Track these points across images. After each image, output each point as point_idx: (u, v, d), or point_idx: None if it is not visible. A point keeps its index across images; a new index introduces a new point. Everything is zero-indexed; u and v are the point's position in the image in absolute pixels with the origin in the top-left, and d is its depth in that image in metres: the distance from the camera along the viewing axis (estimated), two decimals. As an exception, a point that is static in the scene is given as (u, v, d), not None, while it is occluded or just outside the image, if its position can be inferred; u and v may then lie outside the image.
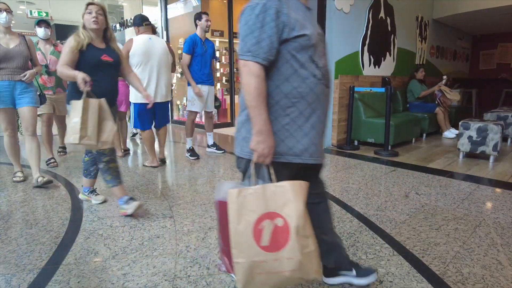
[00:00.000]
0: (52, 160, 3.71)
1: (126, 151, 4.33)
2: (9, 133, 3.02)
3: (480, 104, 8.34)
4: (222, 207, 1.18)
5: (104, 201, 2.62)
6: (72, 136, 2.05)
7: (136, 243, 1.98)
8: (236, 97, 6.96)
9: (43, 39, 3.59)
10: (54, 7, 9.23)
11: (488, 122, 3.92)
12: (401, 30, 5.77)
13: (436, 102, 5.61)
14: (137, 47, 3.34)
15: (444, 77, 5.68)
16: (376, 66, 5.35)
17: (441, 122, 5.53)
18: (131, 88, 3.44)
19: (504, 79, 8.47)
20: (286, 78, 1.19)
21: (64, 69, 2.12)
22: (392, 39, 5.62)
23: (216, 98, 4.31)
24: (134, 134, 5.55)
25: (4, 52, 2.82)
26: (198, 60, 3.88)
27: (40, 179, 2.87)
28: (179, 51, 6.49)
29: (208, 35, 4.12)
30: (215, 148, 4.34)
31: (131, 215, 2.33)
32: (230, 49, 6.49)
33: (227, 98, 6.70)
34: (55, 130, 3.90)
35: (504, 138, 4.91)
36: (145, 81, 3.35)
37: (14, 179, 3.14)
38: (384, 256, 1.83)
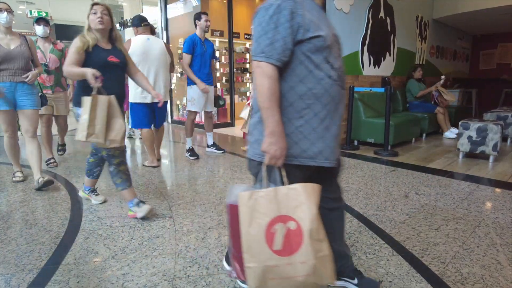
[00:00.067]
0: (52, 160, 3.71)
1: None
2: (9, 134, 3.01)
3: (480, 104, 8.33)
4: (233, 211, 1.15)
5: (104, 202, 2.62)
6: (80, 133, 2.04)
7: (136, 243, 1.98)
8: (236, 97, 6.96)
9: (42, 37, 3.58)
10: (54, 7, 9.24)
11: (488, 122, 3.92)
12: (401, 30, 5.77)
13: (433, 102, 5.60)
14: (135, 47, 3.35)
15: (442, 77, 5.67)
16: (376, 66, 5.35)
17: (441, 122, 5.52)
18: (130, 88, 3.44)
19: (505, 80, 8.48)
20: (301, 79, 1.17)
21: (71, 68, 2.08)
22: (392, 39, 5.62)
23: (220, 97, 4.32)
24: (130, 135, 5.56)
25: (5, 53, 2.79)
26: (198, 60, 3.88)
27: (40, 179, 2.86)
28: (179, 51, 6.49)
29: (207, 35, 4.13)
30: (214, 148, 4.35)
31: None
32: (230, 49, 6.48)
33: (227, 98, 6.70)
34: (54, 130, 3.90)
35: (504, 138, 4.90)
36: None
37: (14, 179, 3.14)
38: (383, 256, 1.83)
